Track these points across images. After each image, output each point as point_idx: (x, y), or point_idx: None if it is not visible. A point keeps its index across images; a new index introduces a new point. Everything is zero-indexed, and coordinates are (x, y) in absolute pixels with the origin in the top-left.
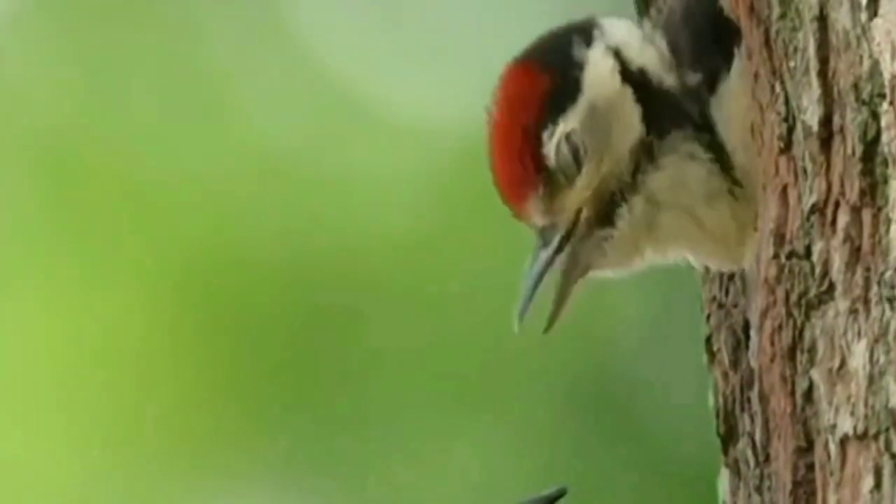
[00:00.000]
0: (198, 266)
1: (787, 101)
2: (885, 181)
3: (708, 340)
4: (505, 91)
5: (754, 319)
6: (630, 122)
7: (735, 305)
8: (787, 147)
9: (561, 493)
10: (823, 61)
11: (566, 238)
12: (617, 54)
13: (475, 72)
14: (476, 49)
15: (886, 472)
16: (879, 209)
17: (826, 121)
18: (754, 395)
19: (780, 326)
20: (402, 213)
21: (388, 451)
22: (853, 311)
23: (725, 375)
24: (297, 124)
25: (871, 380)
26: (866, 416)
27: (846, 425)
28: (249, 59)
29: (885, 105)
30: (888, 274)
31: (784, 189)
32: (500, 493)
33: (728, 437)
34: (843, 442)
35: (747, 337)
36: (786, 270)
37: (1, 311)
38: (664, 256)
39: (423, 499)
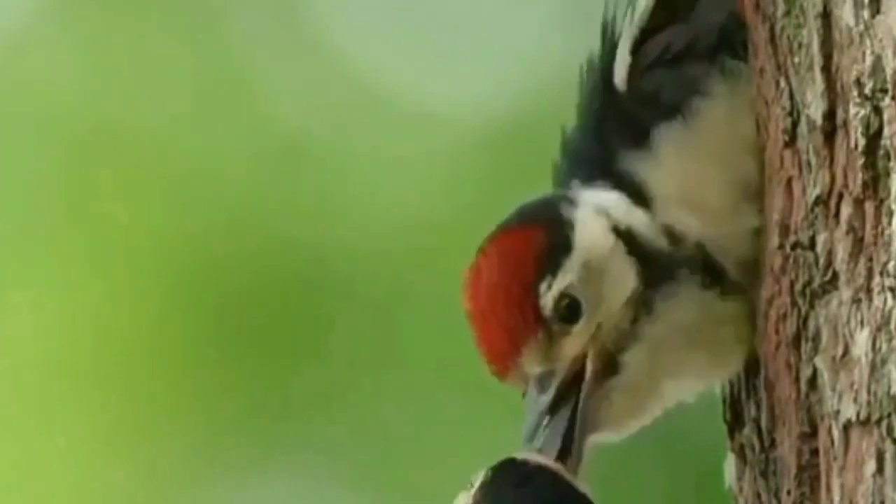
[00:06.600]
0: (213, 248)
1: (791, 96)
2: (888, 174)
3: None
4: (495, 250)
5: (760, 308)
6: (624, 276)
7: None
8: (791, 140)
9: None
10: (827, 57)
11: (564, 384)
12: (606, 214)
13: (492, 59)
14: (493, 37)
15: (888, 456)
16: (882, 201)
17: (830, 115)
18: (760, 382)
19: (784, 315)
20: (417, 198)
21: (397, 437)
22: (856, 301)
23: None
24: (316, 109)
25: (873, 367)
26: (869, 403)
27: (849, 411)
28: (270, 46)
29: (888, 100)
30: (890, 264)
31: (789, 181)
32: None
33: (734, 423)
34: (847, 428)
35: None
36: (790, 260)
37: (12, 297)
38: (669, 401)
39: (431, 484)
